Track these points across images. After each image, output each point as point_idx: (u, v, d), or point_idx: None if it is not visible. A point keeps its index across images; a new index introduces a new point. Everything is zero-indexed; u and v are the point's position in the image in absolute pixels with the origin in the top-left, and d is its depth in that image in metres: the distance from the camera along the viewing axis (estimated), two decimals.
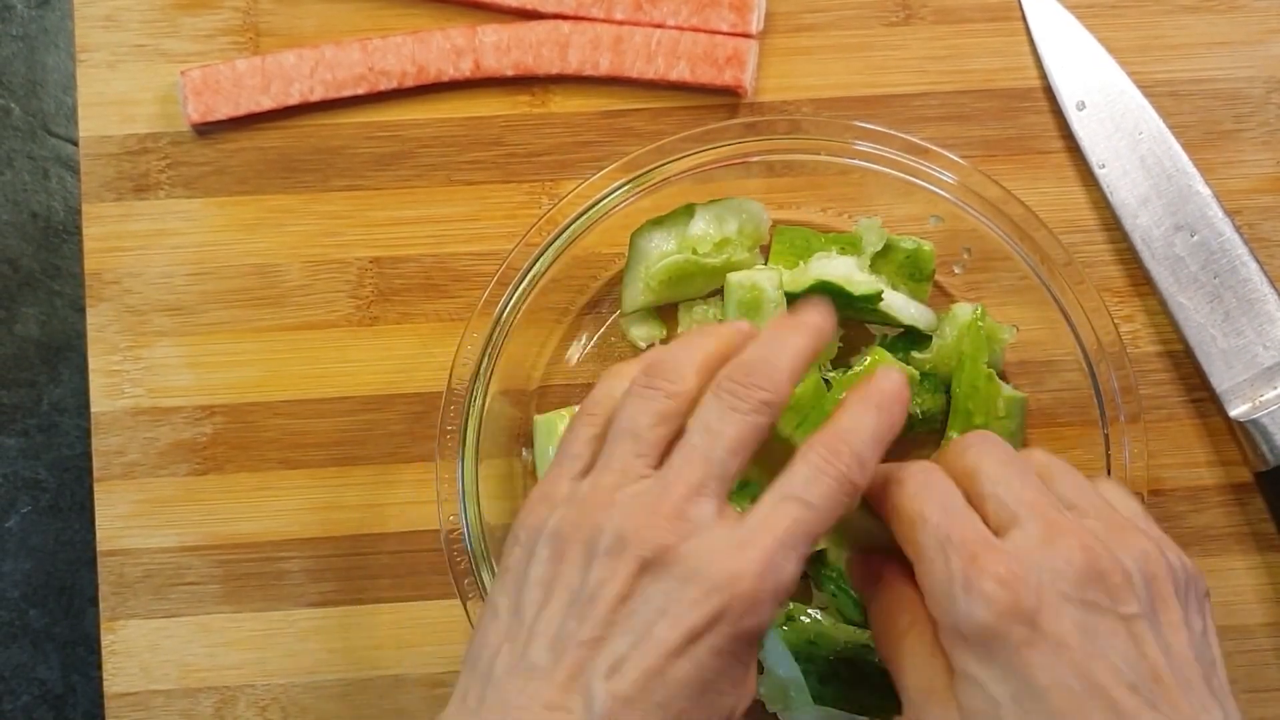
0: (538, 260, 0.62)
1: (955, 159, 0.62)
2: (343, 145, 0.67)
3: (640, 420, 0.48)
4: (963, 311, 0.64)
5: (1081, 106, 0.66)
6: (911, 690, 0.47)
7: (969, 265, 0.66)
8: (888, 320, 0.63)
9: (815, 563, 0.62)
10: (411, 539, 0.66)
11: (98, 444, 0.66)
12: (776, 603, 0.45)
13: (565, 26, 0.66)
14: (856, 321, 0.65)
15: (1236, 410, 0.65)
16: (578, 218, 0.62)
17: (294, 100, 0.66)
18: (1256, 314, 0.65)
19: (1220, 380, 0.65)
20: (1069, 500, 0.49)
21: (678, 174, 0.62)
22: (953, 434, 0.63)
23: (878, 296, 0.61)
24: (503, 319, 0.62)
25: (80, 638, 0.68)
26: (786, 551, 0.45)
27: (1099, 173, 0.66)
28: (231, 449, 0.66)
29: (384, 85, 0.66)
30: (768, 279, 0.61)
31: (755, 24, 0.66)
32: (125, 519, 0.66)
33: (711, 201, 0.64)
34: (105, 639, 0.65)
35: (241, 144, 0.67)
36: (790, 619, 0.61)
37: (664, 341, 0.66)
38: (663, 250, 0.63)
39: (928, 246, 0.64)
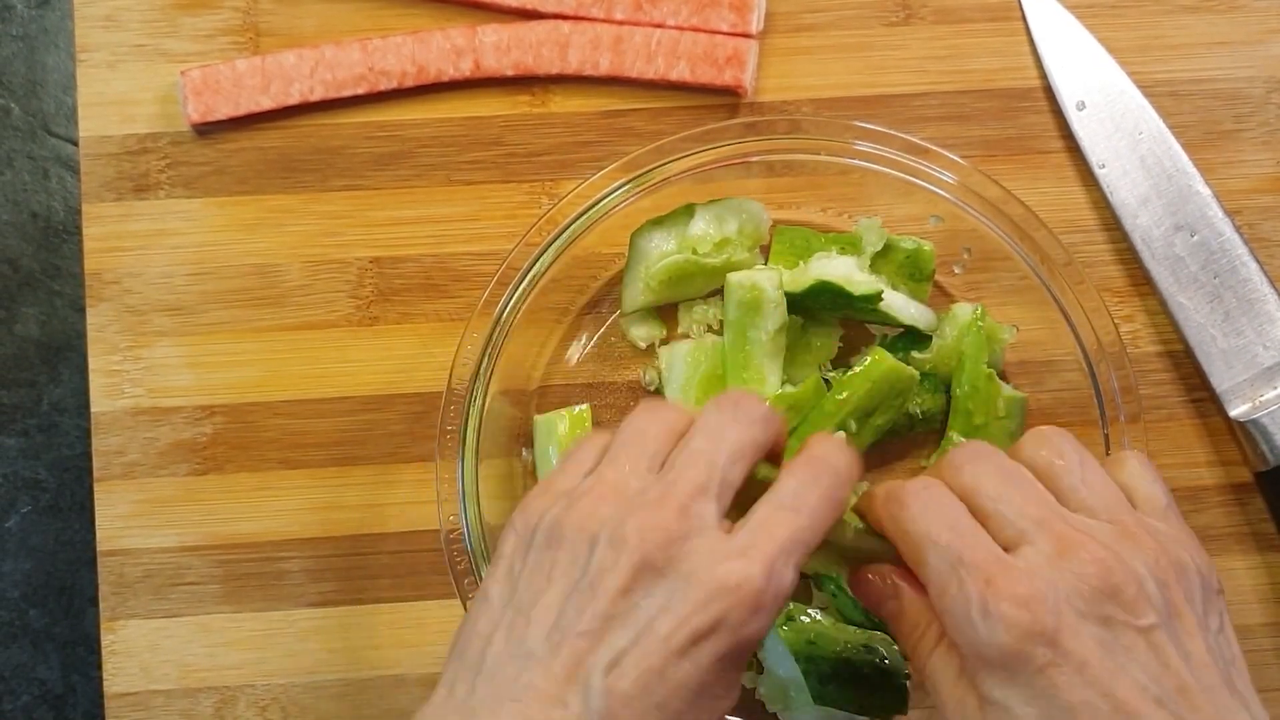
0: (538, 260, 0.62)
1: (955, 159, 0.62)
2: (343, 145, 0.67)
3: (648, 430, 0.49)
4: (963, 311, 0.64)
5: (1081, 106, 0.66)
6: (947, 715, 0.48)
7: (969, 265, 0.66)
8: (888, 320, 0.63)
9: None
10: (411, 539, 0.66)
11: (98, 444, 0.66)
12: (777, 610, 0.45)
13: (565, 26, 0.66)
14: (856, 321, 0.65)
15: (1236, 410, 0.65)
16: (578, 218, 0.62)
17: (294, 100, 0.66)
18: (1256, 314, 0.65)
19: (1220, 380, 0.65)
20: (1077, 499, 0.49)
21: (678, 174, 0.62)
22: (953, 434, 0.63)
23: (878, 296, 0.61)
24: (503, 319, 0.62)
25: (80, 638, 0.68)
26: (786, 558, 0.45)
27: (1099, 173, 0.66)
28: (231, 449, 0.66)
29: (384, 85, 0.66)
30: (768, 279, 0.61)
31: (755, 24, 0.66)
32: (125, 519, 0.66)
33: (711, 201, 0.64)
34: (105, 639, 0.65)
35: (241, 144, 0.67)
36: (790, 619, 0.61)
37: (663, 341, 0.66)
38: (663, 250, 0.63)
39: (928, 246, 0.64)
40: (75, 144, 0.67)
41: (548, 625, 0.45)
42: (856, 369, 0.62)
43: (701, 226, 0.63)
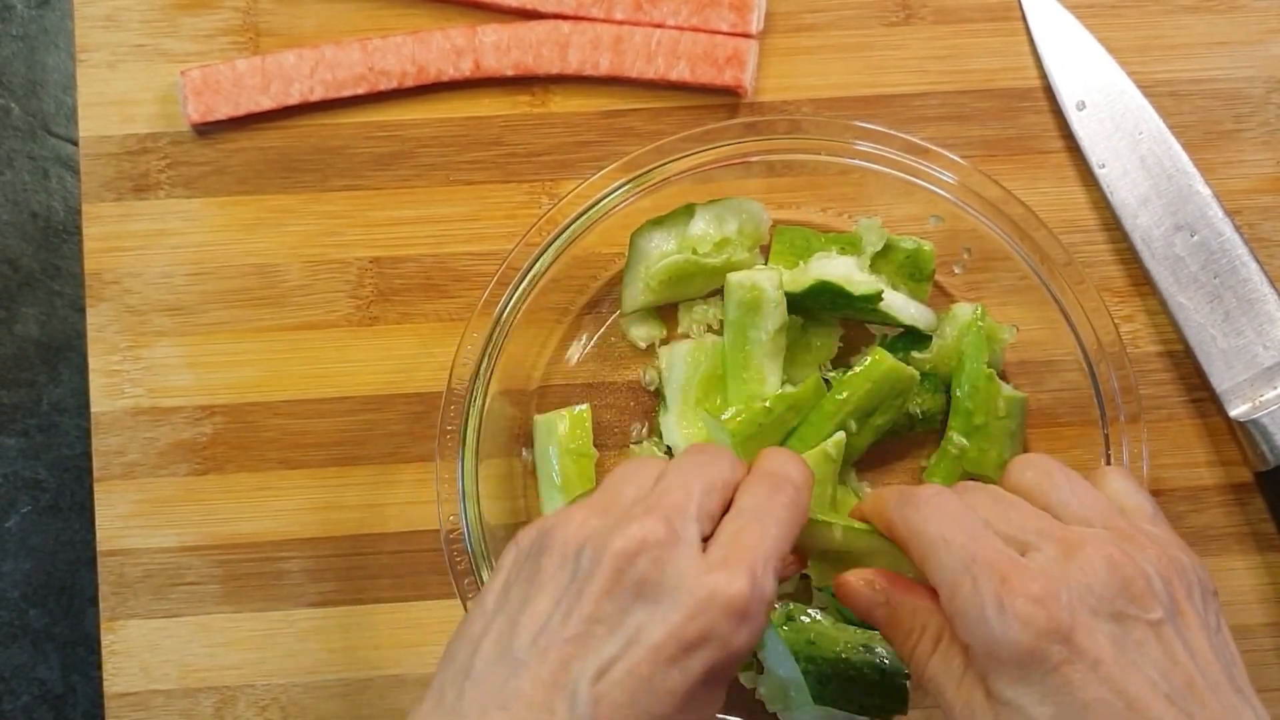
0: (538, 260, 0.62)
1: (955, 159, 0.62)
2: (342, 145, 0.67)
3: (633, 476, 0.50)
4: (963, 311, 0.64)
5: (1081, 106, 0.66)
6: (954, 718, 0.47)
7: (969, 265, 0.66)
8: (888, 320, 0.63)
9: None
10: (411, 539, 0.66)
11: (98, 444, 0.66)
12: (763, 619, 0.46)
13: (565, 26, 0.66)
14: (856, 321, 0.65)
15: (1236, 410, 0.65)
16: (578, 218, 0.62)
17: (294, 100, 0.66)
18: (1256, 314, 0.65)
19: (1220, 380, 0.65)
20: (1069, 512, 0.49)
21: (678, 174, 0.62)
22: (953, 434, 0.63)
23: (878, 296, 0.61)
24: (503, 319, 0.62)
25: (80, 638, 0.68)
26: (764, 567, 0.46)
27: (1099, 173, 0.66)
28: (231, 449, 0.66)
29: (384, 85, 0.66)
30: (768, 279, 0.61)
31: (755, 24, 0.66)
32: (125, 519, 0.66)
33: (711, 201, 0.64)
34: (105, 639, 0.65)
35: (241, 144, 0.67)
36: (790, 619, 0.61)
37: (663, 342, 0.66)
38: (663, 250, 0.63)
39: (928, 246, 0.64)
40: (75, 144, 0.67)
41: (535, 630, 0.45)
42: (856, 369, 0.62)
43: (701, 226, 0.63)
